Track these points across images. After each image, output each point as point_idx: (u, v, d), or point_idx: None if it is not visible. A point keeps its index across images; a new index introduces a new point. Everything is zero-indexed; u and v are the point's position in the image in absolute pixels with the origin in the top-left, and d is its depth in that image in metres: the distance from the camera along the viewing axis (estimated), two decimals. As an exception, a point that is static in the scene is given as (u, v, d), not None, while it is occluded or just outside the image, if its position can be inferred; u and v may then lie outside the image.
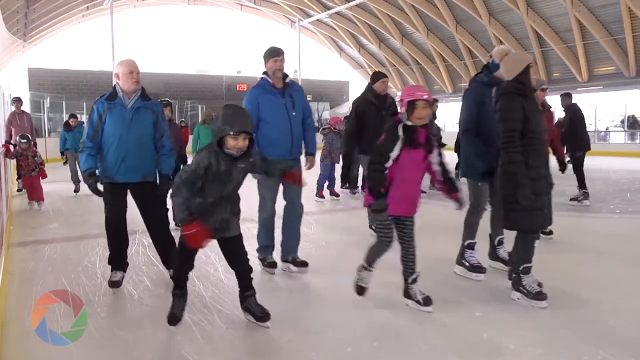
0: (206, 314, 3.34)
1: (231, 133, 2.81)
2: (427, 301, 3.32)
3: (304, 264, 4.31)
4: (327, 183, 8.63)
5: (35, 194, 7.82)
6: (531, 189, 3.27)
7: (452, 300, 3.53)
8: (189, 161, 3.48)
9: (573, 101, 7.78)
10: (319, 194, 8.46)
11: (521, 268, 3.45)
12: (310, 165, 4.48)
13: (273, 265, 4.26)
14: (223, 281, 4.01)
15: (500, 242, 4.23)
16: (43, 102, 22.12)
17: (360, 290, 3.49)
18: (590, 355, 2.69)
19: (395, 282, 3.52)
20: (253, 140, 2.98)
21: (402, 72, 33.17)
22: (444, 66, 30.27)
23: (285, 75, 4.23)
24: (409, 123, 3.15)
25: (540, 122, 3.45)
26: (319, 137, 8.04)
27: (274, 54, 4.15)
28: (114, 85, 3.86)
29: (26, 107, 21.81)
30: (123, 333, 3.06)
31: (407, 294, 3.39)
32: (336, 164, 8.57)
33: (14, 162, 8.61)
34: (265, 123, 4.11)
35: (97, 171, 3.80)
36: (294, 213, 4.31)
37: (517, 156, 3.30)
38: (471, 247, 4.09)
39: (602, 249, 4.78)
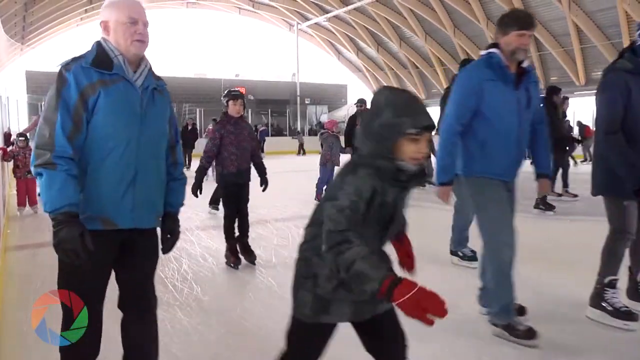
0: (204, 317, 3.32)
1: (412, 131, 1.62)
2: None
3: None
4: (325, 186, 8.65)
5: (30, 198, 7.75)
6: None
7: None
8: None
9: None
10: (317, 197, 8.46)
11: None
12: (545, 191, 3.22)
13: (532, 335, 2.78)
14: (221, 285, 4.00)
15: None
16: (40, 105, 22.14)
17: None
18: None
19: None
20: None
21: (400, 76, 33.26)
22: (442, 70, 30.37)
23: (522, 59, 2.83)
24: None
25: None
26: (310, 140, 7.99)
27: (523, 24, 2.73)
28: (98, 42, 2.01)
29: (24, 110, 21.83)
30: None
31: None
32: (335, 167, 8.65)
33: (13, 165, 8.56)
34: (484, 122, 2.81)
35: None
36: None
37: None
38: (613, 285, 3.12)
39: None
